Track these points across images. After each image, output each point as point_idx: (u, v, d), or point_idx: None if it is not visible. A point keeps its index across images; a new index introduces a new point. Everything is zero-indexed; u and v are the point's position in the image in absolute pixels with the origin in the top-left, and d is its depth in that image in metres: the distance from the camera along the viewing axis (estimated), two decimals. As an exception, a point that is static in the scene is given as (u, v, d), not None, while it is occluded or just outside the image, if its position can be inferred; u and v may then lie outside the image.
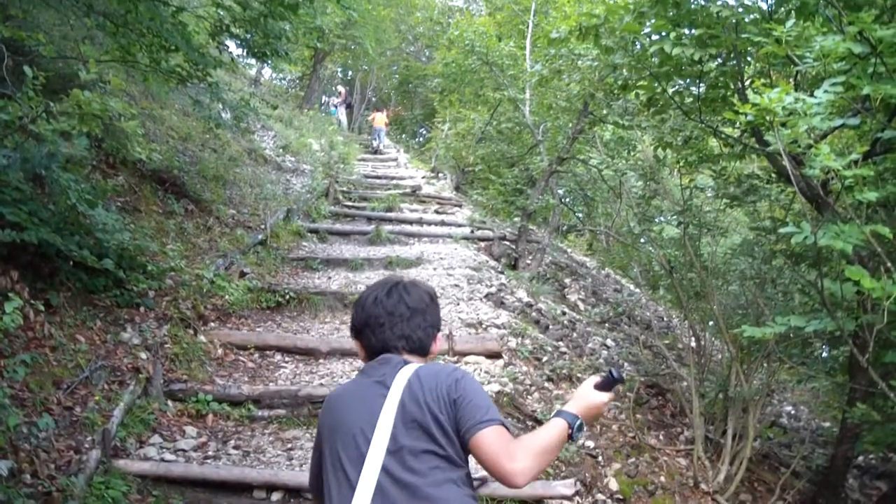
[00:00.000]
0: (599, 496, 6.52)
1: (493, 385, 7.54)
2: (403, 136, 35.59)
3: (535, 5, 18.52)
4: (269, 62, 11.65)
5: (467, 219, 16.50)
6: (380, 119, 28.14)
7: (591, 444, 7.26)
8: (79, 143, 6.89)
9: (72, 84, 7.05)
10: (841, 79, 4.48)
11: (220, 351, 7.93)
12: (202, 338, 7.92)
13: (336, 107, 31.11)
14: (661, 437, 8.01)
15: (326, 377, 7.76)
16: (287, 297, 9.70)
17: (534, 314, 10.59)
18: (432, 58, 31.95)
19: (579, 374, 8.67)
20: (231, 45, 10.54)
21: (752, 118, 4.39)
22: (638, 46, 7.38)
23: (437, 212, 17.41)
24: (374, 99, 38.19)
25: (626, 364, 9.76)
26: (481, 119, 20.14)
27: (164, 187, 10.58)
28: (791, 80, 6.71)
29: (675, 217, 9.55)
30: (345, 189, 18.03)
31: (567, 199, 19.85)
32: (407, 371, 2.52)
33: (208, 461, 5.95)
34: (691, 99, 7.47)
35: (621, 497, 6.64)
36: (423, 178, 21.36)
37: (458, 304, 10.06)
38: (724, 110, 7.25)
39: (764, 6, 6.50)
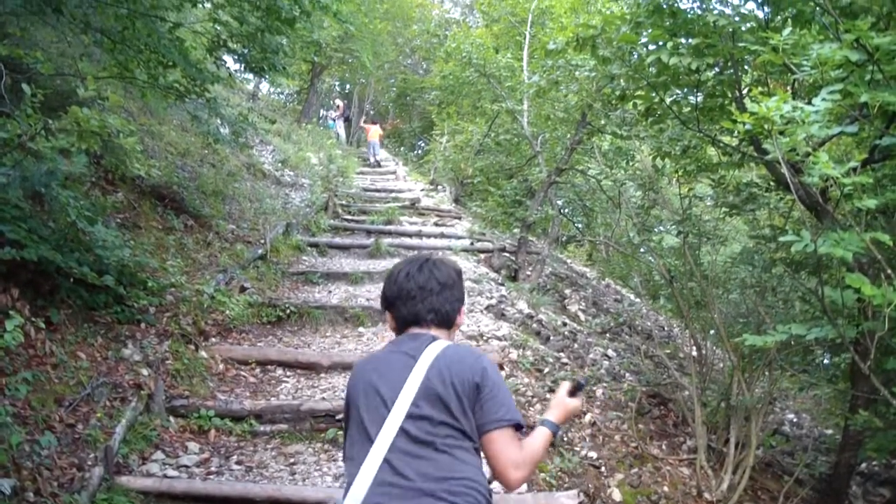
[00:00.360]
0: (603, 507, 6.51)
1: (495, 397, 7.52)
2: (402, 148, 35.65)
3: (531, 17, 18.55)
4: (267, 77, 11.67)
5: (467, 231, 16.51)
6: (374, 132, 27.90)
7: (593, 454, 7.25)
8: (78, 160, 6.89)
9: (70, 101, 7.05)
10: (838, 86, 4.49)
11: (221, 366, 7.92)
12: (203, 353, 7.91)
13: (334, 120, 31.17)
14: (663, 447, 7.99)
15: (328, 391, 7.74)
16: (288, 311, 9.70)
17: (534, 325, 10.58)
18: (430, 70, 32.01)
19: (581, 385, 8.65)
20: (229, 60, 10.58)
21: (751, 127, 4.40)
22: (635, 56, 7.39)
23: (436, 224, 17.42)
24: (371, 112, 38.24)
25: (627, 374, 9.73)
26: (479, 131, 20.17)
27: (163, 203, 10.59)
28: (788, 88, 6.73)
29: (674, 226, 9.54)
30: (344, 202, 18.05)
31: (566, 210, 19.86)
32: (435, 348, 2.70)
33: (211, 477, 5.94)
34: (689, 108, 7.48)
35: (625, 507, 6.63)
36: (422, 190, 21.39)
37: (459, 317, 10.04)
38: (722, 119, 7.26)
39: (760, 15, 6.52)
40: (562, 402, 2.98)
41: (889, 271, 4.50)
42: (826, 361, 9.22)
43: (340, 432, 6.28)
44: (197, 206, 11.43)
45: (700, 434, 7.57)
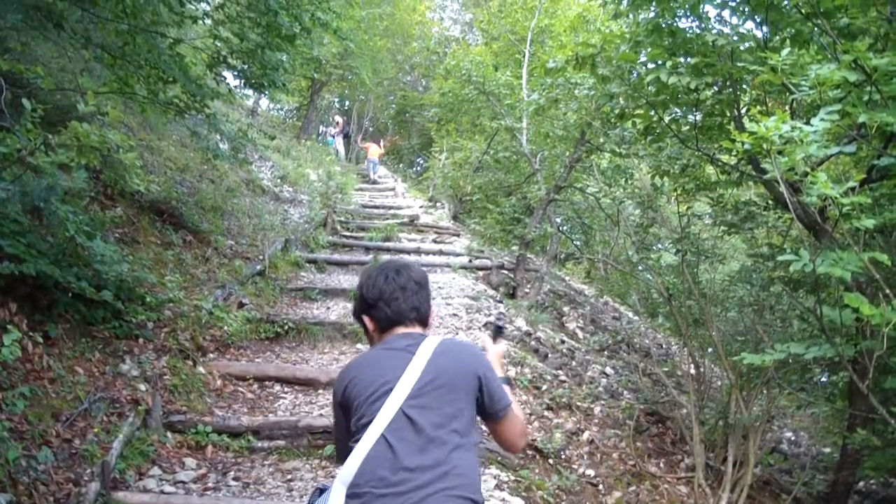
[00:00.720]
0: (601, 525, 6.50)
1: (493, 414, 7.51)
2: (401, 165, 35.68)
3: (531, 35, 18.65)
4: (267, 93, 11.72)
5: (465, 248, 16.52)
6: (374, 150, 28.05)
7: (591, 472, 7.24)
8: (78, 175, 6.89)
9: (70, 116, 7.05)
10: (837, 107, 4.51)
11: (219, 382, 7.91)
12: (201, 369, 7.89)
13: (333, 137, 31.17)
14: (661, 465, 7.98)
15: (326, 407, 7.73)
16: (286, 327, 9.69)
17: (533, 343, 10.58)
18: (429, 87, 32.10)
19: (579, 403, 8.66)
20: (228, 76, 10.59)
21: (750, 146, 4.42)
22: (634, 75, 7.43)
23: (435, 241, 17.43)
24: (370, 129, 38.30)
25: (625, 392, 9.73)
26: (478, 148, 20.20)
27: (162, 218, 10.58)
28: (787, 107, 6.76)
29: (672, 244, 9.57)
30: (343, 219, 18.04)
31: (565, 228, 19.87)
32: (431, 342, 2.83)
33: (208, 493, 5.92)
34: (688, 127, 7.51)
35: (623, 526, 6.62)
36: (421, 207, 21.41)
37: (457, 334, 10.05)
38: (720, 138, 7.30)
39: (759, 35, 6.55)
40: (496, 356, 3.18)
41: (887, 291, 4.51)
42: (824, 380, 9.22)
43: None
44: (196, 222, 11.43)
45: (698, 452, 7.57)
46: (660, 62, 6.68)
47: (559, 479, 6.81)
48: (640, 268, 11.32)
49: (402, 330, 2.93)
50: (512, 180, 18.41)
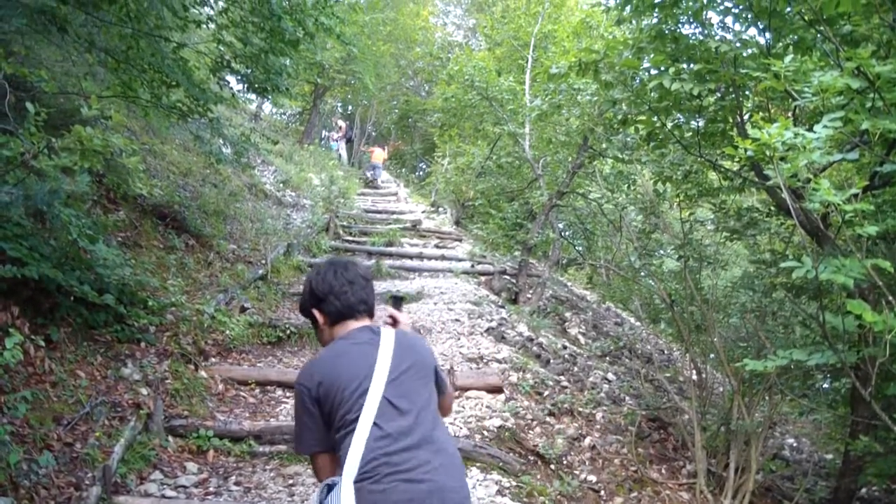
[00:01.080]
0: (602, 532, 6.49)
1: (495, 420, 7.52)
2: (403, 170, 35.70)
3: (534, 41, 18.67)
4: (270, 97, 11.70)
5: (467, 253, 16.52)
6: (378, 155, 28.26)
7: (593, 478, 7.23)
8: (81, 179, 6.90)
9: (73, 120, 7.08)
10: (839, 114, 4.50)
11: (220, 386, 7.91)
12: (203, 373, 7.90)
13: (336, 141, 31.18)
14: (663, 471, 7.97)
15: (327, 412, 7.71)
16: (288, 331, 9.69)
17: (535, 348, 10.57)
18: (432, 92, 32.09)
19: (581, 409, 8.65)
20: (232, 80, 10.60)
21: (752, 153, 4.41)
22: (637, 81, 7.43)
23: (437, 246, 17.44)
24: (373, 134, 38.32)
25: (627, 398, 9.72)
26: (481, 153, 20.20)
27: (164, 222, 10.59)
28: (790, 114, 6.75)
29: (675, 250, 9.56)
30: (345, 224, 18.07)
31: (567, 233, 19.88)
32: (388, 333, 3.03)
33: (209, 497, 5.92)
34: (691, 133, 7.51)
35: (624, 532, 6.61)
36: (423, 212, 21.42)
37: (459, 339, 10.05)
38: (723, 144, 7.30)
39: (762, 41, 6.55)
40: (405, 325, 3.35)
41: (890, 298, 4.50)
42: (826, 386, 9.20)
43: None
44: (198, 226, 11.44)
45: (700, 458, 7.56)
46: (663, 68, 6.67)
47: (561, 484, 6.80)
48: (642, 273, 11.30)
49: (356, 324, 3.08)
50: (514, 186, 18.41)
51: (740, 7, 6.63)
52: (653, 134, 7.85)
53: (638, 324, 15.28)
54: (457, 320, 10.89)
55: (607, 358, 12.22)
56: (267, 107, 29.51)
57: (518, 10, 21.60)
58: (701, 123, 7.40)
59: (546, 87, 12.49)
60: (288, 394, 8.20)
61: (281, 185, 18.54)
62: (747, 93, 7.07)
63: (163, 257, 9.75)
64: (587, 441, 7.94)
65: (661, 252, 12.35)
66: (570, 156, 14.31)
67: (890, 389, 5.95)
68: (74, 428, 5.91)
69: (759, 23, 6.47)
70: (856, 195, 4.19)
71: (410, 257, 15.96)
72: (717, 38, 6.63)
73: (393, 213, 20.95)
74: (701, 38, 6.79)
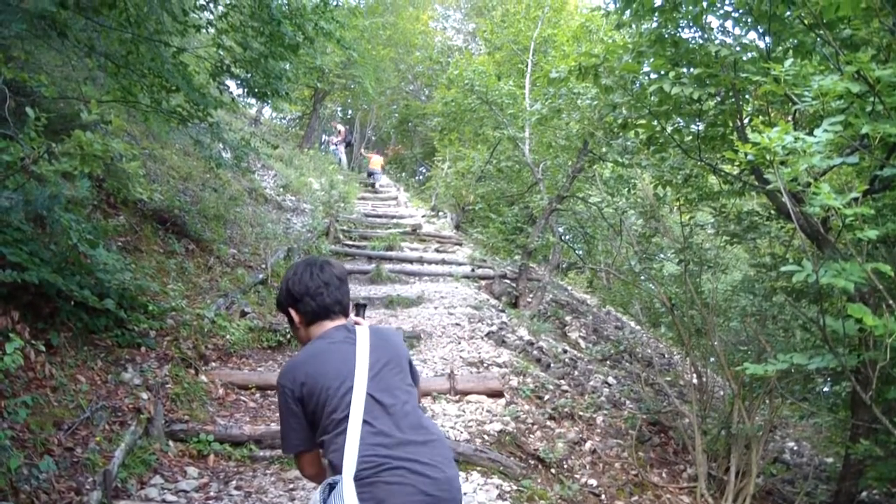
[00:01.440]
0: (603, 536, 6.48)
1: (496, 424, 7.51)
2: (403, 174, 35.70)
3: (534, 45, 18.67)
4: (270, 102, 11.70)
5: (468, 257, 16.53)
6: (376, 161, 28.39)
7: (593, 482, 7.22)
8: (81, 184, 6.91)
9: (73, 124, 7.06)
10: (839, 117, 4.50)
11: (221, 391, 7.90)
12: (203, 378, 7.89)
13: (336, 146, 31.20)
14: (663, 475, 7.97)
15: (327, 416, 7.71)
16: (288, 336, 9.68)
17: (535, 352, 10.57)
18: (432, 97, 32.08)
19: (581, 413, 8.65)
20: (232, 84, 10.61)
21: (752, 157, 4.42)
22: (637, 85, 7.44)
23: (437, 250, 17.44)
24: (373, 138, 38.34)
25: (627, 402, 9.72)
26: (481, 157, 20.22)
27: (164, 227, 10.60)
28: (790, 118, 6.75)
29: (675, 254, 9.57)
30: (345, 228, 18.07)
31: (567, 237, 19.89)
32: (363, 331, 3.08)
33: (210, 502, 5.91)
34: (691, 137, 7.51)
35: (625, 537, 6.60)
36: (424, 216, 21.42)
37: (460, 343, 10.05)
38: (723, 148, 7.31)
39: (762, 45, 6.56)
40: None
41: (890, 301, 4.50)
42: (826, 390, 9.21)
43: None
44: (198, 231, 11.44)
45: (700, 462, 7.55)
46: (663, 72, 6.68)
47: (561, 488, 6.80)
48: (642, 277, 11.31)
49: (331, 323, 3.12)
50: (514, 190, 18.43)
51: (740, 11, 6.63)
52: (653, 138, 7.86)
53: (638, 327, 15.29)
54: (457, 324, 10.89)
55: (608, 362, 12.22)
56: (267, 111, 29.62)
57: (518, 15, 21.58)
58: (701, 127, 7.41)
59: (546, 91, 12.51)
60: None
61: (281, 189, 18.55)
62: (747, 97, 7.08)
63: (163, 262, 9.75)
64: (588, 445, 7.93)
65: (662, 256, 12.36)
66: (570, 160, 14.33)
67: (890, 393, 5.96)
68: (75, 432, 5.91)
69: (758, 27, 6.48)
70: (856, 199, 4.19)
71: (410, 261, 15.96)
72: (716, 42, 6.64)
73: (393, 217, 20.96)
74: (701, 42, 6.80)
